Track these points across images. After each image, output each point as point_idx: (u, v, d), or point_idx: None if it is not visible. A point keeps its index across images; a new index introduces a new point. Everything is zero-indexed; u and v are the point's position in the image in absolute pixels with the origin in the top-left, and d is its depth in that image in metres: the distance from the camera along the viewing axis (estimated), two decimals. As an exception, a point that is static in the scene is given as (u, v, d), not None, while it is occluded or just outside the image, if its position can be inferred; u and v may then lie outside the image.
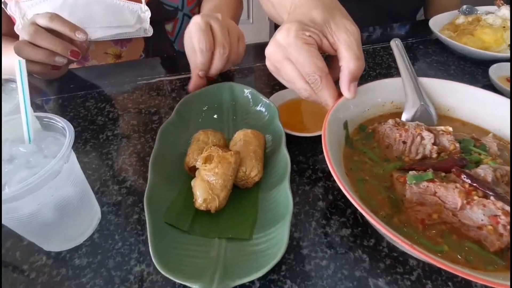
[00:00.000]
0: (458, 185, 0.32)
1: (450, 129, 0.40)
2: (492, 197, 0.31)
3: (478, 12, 0.80)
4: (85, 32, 0.54)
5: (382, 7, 0.97)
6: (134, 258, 0.36)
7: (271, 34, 1.29)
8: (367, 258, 0.36)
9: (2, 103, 0.42)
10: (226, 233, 0.36)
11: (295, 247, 0.37)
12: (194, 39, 0.53)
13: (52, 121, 0.34)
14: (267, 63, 0.43)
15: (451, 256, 0.30)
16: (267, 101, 0.50)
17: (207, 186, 0.37)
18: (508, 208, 0.30)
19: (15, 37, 0.67)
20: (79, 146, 0.51)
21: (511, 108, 0.40)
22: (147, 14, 0.70)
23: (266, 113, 0.50)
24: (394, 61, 0.71)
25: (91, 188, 0.42)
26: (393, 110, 0.47)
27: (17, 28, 0.66)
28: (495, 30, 0.71)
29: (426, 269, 0.35)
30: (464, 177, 0.33)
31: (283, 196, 0.37)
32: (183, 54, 0.76)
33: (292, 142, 0.50)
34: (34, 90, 0.64)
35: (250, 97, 0.52)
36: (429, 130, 0.40)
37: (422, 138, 0.39)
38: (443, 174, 0.35)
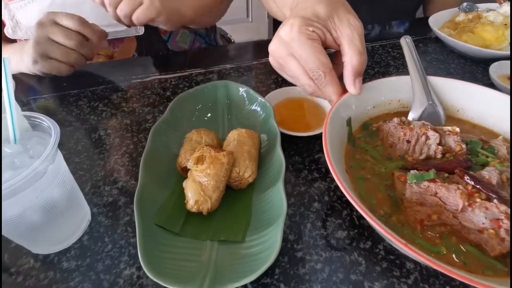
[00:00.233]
0: (460, 186, 0.31)
1: (457, 129, 0.39)
2: (495, 200, 0.30)
3: (479, 10, 0.78)
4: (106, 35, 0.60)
5: (381, 5, 0.95)
6: (124, 261, 0.35)
7: (270, 33, 1.28)
8: (363, 261, 0.35)
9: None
10: (218, 235, 0.35)
11: (290, 250, 0.36)
12: None
13: (37, 120, 0.33)
14: (271, 59, 0.42)
15: (448, 258, 0.29)
16: (263, 100, 0.49)
17: (199, 187, 0.36)
18: (510, 211, 0.29)
19: (6, 40, 0.66)
20: (70, 146, 0.50)
21: (511, 106, 0.39)
22: None
23: (261, 112, 0.49)
24: (393, 59, 0.70)
25: (81, 189, 0.41)
26: (400, 108, 0.46)
27: (7, 31, 0.65)
28: (496, 27, 0.69)
29: (424, 272, 0.34)
30: (468, 179, 0.32)
31: (277, 197, 0.36)
32: (177, 53, 0.75)
33: (288, 141, 0.49)
34: (26, 88, 0.63)
35: (245, 95, 0.51)
36: (435, 130, 0.38)
37: (427, 138, 0.38)
38: (446, 174, 0.34)
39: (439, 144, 0.37)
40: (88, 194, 0.43)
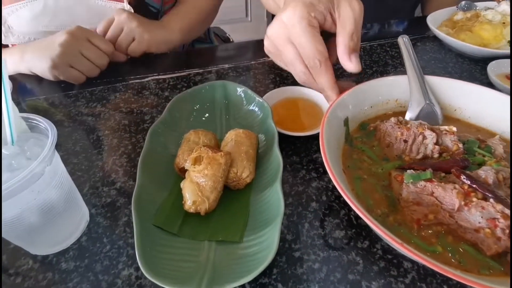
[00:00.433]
0: (457, 185, 0.31)
1: (454, 129, 0.39)
2: (491, 200, 0.30)
3: (477, 8, 0.78)
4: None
5: (380, 4, 0.95)
6: (123, 261, 0.36)
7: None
8: (360, 261, 0.35)
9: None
10: (216, 236, 0.35)
11: (287, 250, 0.37)
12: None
13: (34, 121, 0.33)
14: (267, 43, 0.42)
15: (444, 257, 0.29)
16: (260, 100, 0.49)
17: (196, 188, 0.36)
18: (508, 211, 0.29)
19: None
20: (68, 146, 0.50)
21: (511, 106, 0.39)
22: None
23: (259, 112, 0.49)
24: (391, 58, 0.70)
25: (79, 190, 0.41)
26: (397, 108, 0.46)
27: None
28: (494, 26, 0.69)
29: (421, 272, 0.34)
30: (464, 178, 0.32)
31: (274, 197, 0.36)
32: (175, 53, 0.75)
33: (286, 141, 0.49)
34: (24, 89, 0.63)
35: (243, 96, 0.51)
36: (432, 130, 0.38)
37: (424, 138, 0.38)
38: (442, 174, 0.34)
39: (436, 143, 0.37)
40: (86, 195, 0.43)
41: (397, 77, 0.45)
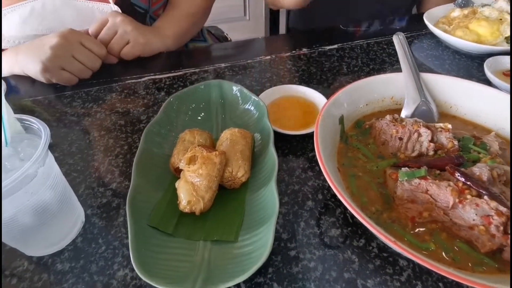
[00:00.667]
0: (451, 183, 0.31)
1: (449, 126, 0.39)
2: (486, 197, 0.30)
3: (474, 5, 0.78)
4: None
5: (378, 1, 0.95)
6: (118, 262, 0.36)
7: (267, 31, 1.28)
8: (356, 259, 0.35)
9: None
10: (211, 236, 0.35)
11: (283, 249, 0.37)
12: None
13: (27, 122, 0.33)
14: None
15: (437, 254, 0.29)
16: (256, 99, 0.49)
17: (191, 187, 0.36)
18: (502, 208, 0.29)
19: None
20: (64, 147, 0.50)
21: (511, 103, 0.38)
22: None
23: (255, 111, 0.49)
24: (388, 56, 0.70)
25: (75, 191, 0.41)
26: (393, 106, 0.46)
27: None
28: (491, 22, 0.69)
29: (416, 269, 0.34)
30: (458, 175, 0.32)
31: (269, 197, 0.36)
32: (171, 53, 0.75)
33: (282, 140, 0.49)
34: (20, 90, 0.63)
35: (239, 95, 0.51)
36: (427, 127, 0.38)
37: (419, 135, 0.38)
38: (437, 171, 0.34)
39: (431, 141, 0.37)
40: (82, 196, 0.43)
41: (392, 75, 0.44)
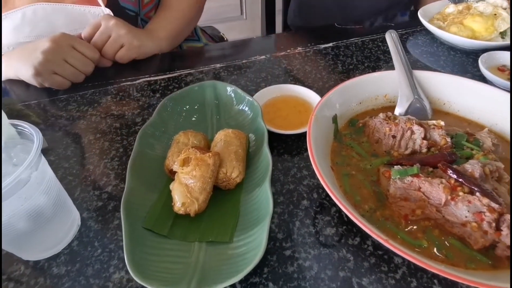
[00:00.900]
0: (443, 180, 0.31)
1: (442, 123, 0.39)
2: (478, 193, 0.30)
3: (469, 1, 0.78)
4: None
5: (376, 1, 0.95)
6: (114, 265, 0.36)
7: (263, 30, 1.28)
8: (351, 257, 0.36)
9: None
10: (206, 237, 0.35)
11: (278, 248, 0.37)
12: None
13: (20, 127, 0.33)
14: None
15: (430, 252, 0.29)
16: (251, 99, 0.49)
17: (185, 189, 0.36)
18: (494, 205, 0.29)
19: None
20: (59, 151, 0.50)
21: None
22: None
23: (249, 111, 0.49)
24: (383, 53, 0.70)
25: (71, 194, 0.41)
26: (386, 104, 0.46)
27: None
28: (485, 18, 0.69)
29: (411, 267, 0.34)
30: (450, 172, 0.32)
31: (264, 197, 0.36)
32: (166, 54, 0.74)
33: (278, 140, 0.49)
34: (15, 95, 0.63)
35: (233, 95, 0.51)
36: (420, 125, 0.38)
37: (412, 133, 0.38)
38: (430, 169, 0.34)
39: (424, 138, 0.37)
40: (77, 199, 0.43)
41: (385, 73, 0.44)
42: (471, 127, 0.41)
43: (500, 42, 0.66)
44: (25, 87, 0.64)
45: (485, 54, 0.61)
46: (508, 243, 0.27)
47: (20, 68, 0.60)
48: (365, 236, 0.37)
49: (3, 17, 0.63)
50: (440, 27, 0.71)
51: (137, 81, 0.65)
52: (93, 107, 0.59)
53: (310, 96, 0.55)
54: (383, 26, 0.81)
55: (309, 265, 0.35)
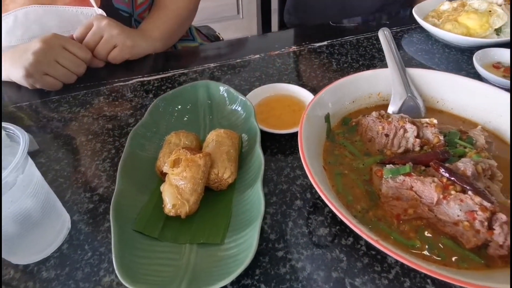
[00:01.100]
0: (435, 179, 0.31)
1: (435, 121, 0.39)
2: (470, 192, 0.29)
3: (464, -3, 0.78)
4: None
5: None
6: (104, 268, 0.35)
7: (259, 29, 1.27)
8: (344, 258, 0.35)
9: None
10: (197, 238, 0.35)
11: (271, 249, 0.36)
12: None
13: (7, 130, 0.33)
14: None
15: (423, 252, 0.29)
16: (244, 99, 0.48)
17: (176, 191, 0.35)
18: (486, 203, 0.28)
19: None
20: (51, 153, 0.49)
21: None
22: None
23: (242, 111, 0.48)
24: (378, 51, 0.70)
25: (61, 197, 0.41)
26: (380, 102, 0.46)
27: None
28: (480, 15, 0.69)
29: (405, 266, 0.34)
30: (443, 171, 0.32)
31: (255, 197, 0.36)
32: (160, 54, 0.74)
33: (272, 139, 0.49)
34: (6, 96, 0.63)
35: (226, 95, 0.50)
36: (413, 123, 0.38)
37: (405, 131, 0.38)
38: (423, 167, 0.34)
39: (417, 136, 0.37)
40: (68, 202, 0.42)
41: (378, 71, 0.44)
42: (465, 125, 0.41)
43: (495, 39, 0.66)
44: (16, 88, 0.63)
45: (479, 51, 0.61)
46: (501, 242, 0.27)
47: (11, 69, 0.59)
48: (358, 236, 0.37)
49: None
50: (434, 25, 0.71)
51: (130, 82, 0.64)
52: (85, 108, 0.58)
53: (304, 95, 0.55)
54: (378, 24, 0.81)
55: (302, 266, 0.35)
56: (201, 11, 0.86)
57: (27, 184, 0.31)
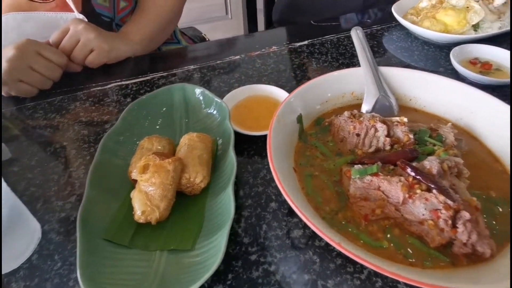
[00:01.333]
0: (402, 178, 0.31)
1: (405, 119, 0.39)
2: (434, 191, 0.29)
3: (442, -6, 0.78)
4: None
5: None
6: (73, 278, 0.35)
7: (245, 29, 1.27)
8: (317, 260, 0.35)
9: None
10: (168, 245, 0.35)
11: (244, 253, 0.36)
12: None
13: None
14: None
15: (390, 252, 0.29)
16: (219, 101, 0.48)
17: (145, 197, 0.35)
18: (450, 202, 0.28)
19: None
20: (24, 161, 0.49)
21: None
22: None
23: (217, 114, 0.48)
24: (358, 50, 0.70)
25: (33, 206, 0.40)
26: (354, 101, 0.45)
27: None
28: (458, 11, 0.69)
29: (376, 267, 0.34)
30: (409, 170, 0.32)
31: (227, 201, 0.35)
32: (139, 58, 0.73)
33: (248, 141, 0.49)
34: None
35: (201, 98, 0.50)
36: (383, 122, 0.38)
37: (376, 130, 0.38)
38: (391, 167, 0.34)
39: (388, 135, 0.37)
40: (39, 211, 0.41)
41: (350, 70, 0.44)
42: (438, 123, 0.41)
43: (473, 35, 0.67)
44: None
45: (456, 48, 0.61)
46: (464, 240, 0.27)
47: None
48: (331, 237, 0.37)
49: None
50: (413, 22, 0.71)
51: (108, 86, 0.64)
52: (61, 114, 0.57)
53: (283, 96, 0.54)
54: (359, 22, 0.81)
55: (275, 269, 0.35)
56: (189, 12, 0.85)
57: (-12, 195, 0.31)
